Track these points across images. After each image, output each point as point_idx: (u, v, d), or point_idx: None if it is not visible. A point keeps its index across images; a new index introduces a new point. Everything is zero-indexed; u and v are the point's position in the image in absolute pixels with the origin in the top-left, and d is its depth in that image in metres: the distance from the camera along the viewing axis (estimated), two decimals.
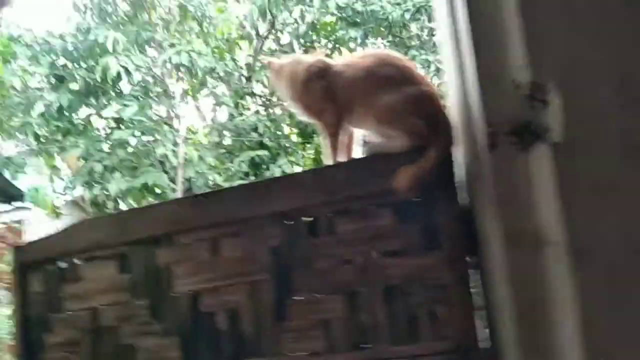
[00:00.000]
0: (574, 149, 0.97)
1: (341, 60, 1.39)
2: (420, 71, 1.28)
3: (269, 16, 9.77)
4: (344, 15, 9.05)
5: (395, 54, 1.33)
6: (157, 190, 8.64)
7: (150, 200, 9.00)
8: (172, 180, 8.82)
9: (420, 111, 1.19)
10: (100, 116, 9.35)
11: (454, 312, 1.16)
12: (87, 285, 1.52)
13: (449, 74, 1.33)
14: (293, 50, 9.54)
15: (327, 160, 1.36)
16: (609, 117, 0.96)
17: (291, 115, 9.96)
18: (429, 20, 8.40)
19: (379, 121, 1.23)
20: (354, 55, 1.40)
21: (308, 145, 10.09)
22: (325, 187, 1.28)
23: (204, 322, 1.38)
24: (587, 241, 0.95)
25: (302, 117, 1.43)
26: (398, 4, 8.39)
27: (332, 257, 1.28)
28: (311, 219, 1.31)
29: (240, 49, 10.46)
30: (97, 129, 9.43)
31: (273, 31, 10.14)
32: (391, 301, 1.22)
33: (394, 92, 1.21)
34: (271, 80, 1.52)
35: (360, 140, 1.38)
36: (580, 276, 0.93)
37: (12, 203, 10.10)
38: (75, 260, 1.55)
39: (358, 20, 8.83)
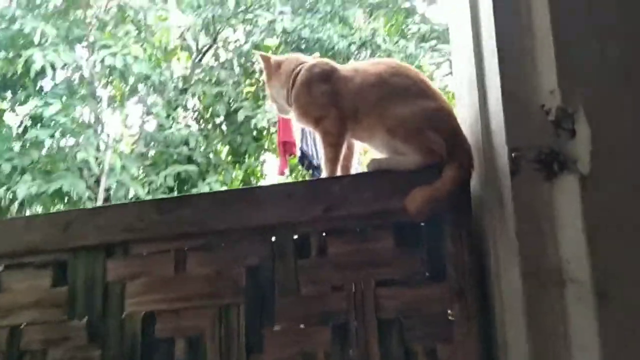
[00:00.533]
0: (602, 183, 0.92)
1: (347, 65, 1.27)
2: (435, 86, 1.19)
3: (211, 31, 9.57)
4: (289, 39, 9.05)
5: (408, 65, 1.23)
6: (73, 198, 8.01)
7: (61, 208, 8.30)
8: (90, 188, 8.22)
9: (439, 127, 1.09)
10: (15, 112, 8.60)
11: (457, 351, 1.05)
12: (9, 298, 1.25)
13: (461, 92, 1.25)
14: (233, 69, 9.38)
15: (324, 173, 1.21)
16: (637, 152, 0.92)
17: (223, 133, 9.72)
18: (372, 55, 8.60)
19: (391, 134, 1.11)
20: (361, 62, 1.28)
21: (238, 165, 9.89)
22: (320, 201, 1.14)
23: (157, 349, 1.16)
24: (611, 281, 0.89)
25: (298, 122, 1.28)
26: (344, 36, 8.52)
27: (321, 282, 1.13)
28: (298, 236, 1.16)
29: (178, 60, 10.13)
30: (9, 126, 8.63)
31: (214, 46, 9.93)
32: (386, 336, 1.08)
33: (410, 104, 1.11)
34: (265, 78, 1.36)
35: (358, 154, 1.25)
36: (603, 318, 0.87)
37: None
38: None
39: (303, 47, 8.85)
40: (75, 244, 1.23)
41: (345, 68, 1.25)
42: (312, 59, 1.30)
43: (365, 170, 1.18)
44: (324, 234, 1.15)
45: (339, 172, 1.21)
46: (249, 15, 9.22)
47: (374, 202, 1.12)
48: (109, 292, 1.21)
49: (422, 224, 1.11)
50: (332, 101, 1.19)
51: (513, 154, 0.99)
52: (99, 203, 7.87)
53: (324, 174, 1.21)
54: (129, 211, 1.23)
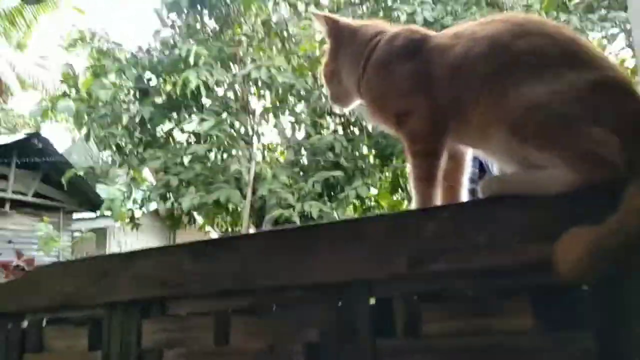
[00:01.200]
0: None
1: (447, 30, 0.82)
2: (596, 48, 0.69)
3: None
4: None
5: (544, 19, 0.75)
6: (230, 207, 8.51)
7: (221, 217, 8.89)
8: (246, 197, 8.66)
9: (609, 118, 0.61)
10: (182, 130, 9.49)
11: None
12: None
13: None
14: None
15: (415, 202, 0.79)
16: None
17: (369, 136, 9.49)
18: None
19: (518, 134, 0.65)
20: (468, 24, 0.82)
21: (386, 168, 9.60)
22: (405, 247, 0.72)
23: None
24: None
25: (372, 121, 0.86)
26: None
27: None
28: (376, 302, 0.76)
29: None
30: (178, 143, 9.57)
31: None
32: None
33: (551, 80, 0.64)
34: (328, 50, 0.95)
35: (472, 170, 0.81)
36: None
37: (96, 212, 10.49)
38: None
39: None
40: (110, 298, 0.99)
41: (443, 34, 0.81)
42: (395, 27, 0.87)
43: (480, 195, 0.73)
44: (413, 299, 0.73)
45: (437, 201, 0.77)
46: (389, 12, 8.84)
47: (496, 251, 0.67)
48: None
49: (586, 288, 0.63)
50: (422, 87, 0.76)
51: None
52: (246, 211, 8.22)
53: (413, 204, 0.78)
54: (165, 258, 0.95)
